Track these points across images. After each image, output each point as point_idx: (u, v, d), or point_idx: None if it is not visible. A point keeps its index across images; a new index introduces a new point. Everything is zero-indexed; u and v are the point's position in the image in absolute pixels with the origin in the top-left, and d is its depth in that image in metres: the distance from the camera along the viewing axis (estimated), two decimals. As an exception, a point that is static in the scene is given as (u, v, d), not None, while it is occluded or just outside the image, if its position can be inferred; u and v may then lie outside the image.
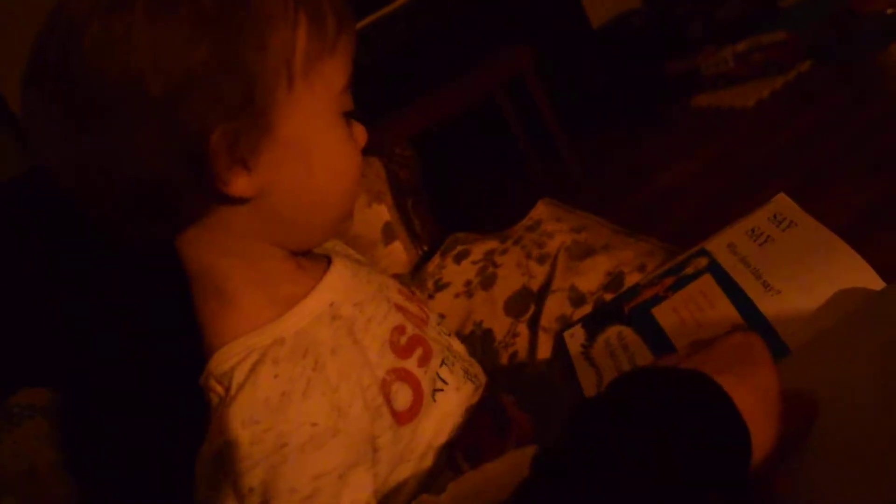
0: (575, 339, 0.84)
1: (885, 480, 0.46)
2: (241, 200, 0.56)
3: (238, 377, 0.56)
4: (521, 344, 0.96)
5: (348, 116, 0.61)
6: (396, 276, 1.13)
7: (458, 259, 1.09)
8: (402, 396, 0.62)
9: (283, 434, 0.53)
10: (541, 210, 1.12)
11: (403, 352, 0.64)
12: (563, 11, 3.16)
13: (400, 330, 0.66)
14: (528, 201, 1.17)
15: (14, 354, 1.17)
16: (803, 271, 0.66)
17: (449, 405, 0.66)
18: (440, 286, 1.06)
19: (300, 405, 0.55)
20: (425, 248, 1.24)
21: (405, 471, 0.62)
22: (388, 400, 0.60)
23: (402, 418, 0.61)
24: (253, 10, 0.52)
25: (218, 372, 0.57)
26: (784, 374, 0.51)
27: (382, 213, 1.21)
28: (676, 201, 2.24)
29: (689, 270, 0.79)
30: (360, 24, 2.66)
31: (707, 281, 0.74)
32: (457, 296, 1.03)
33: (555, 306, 0.95)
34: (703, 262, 0.78)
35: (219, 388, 0.57)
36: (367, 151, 1.30)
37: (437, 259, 1.12)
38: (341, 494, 0.54)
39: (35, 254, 1.26)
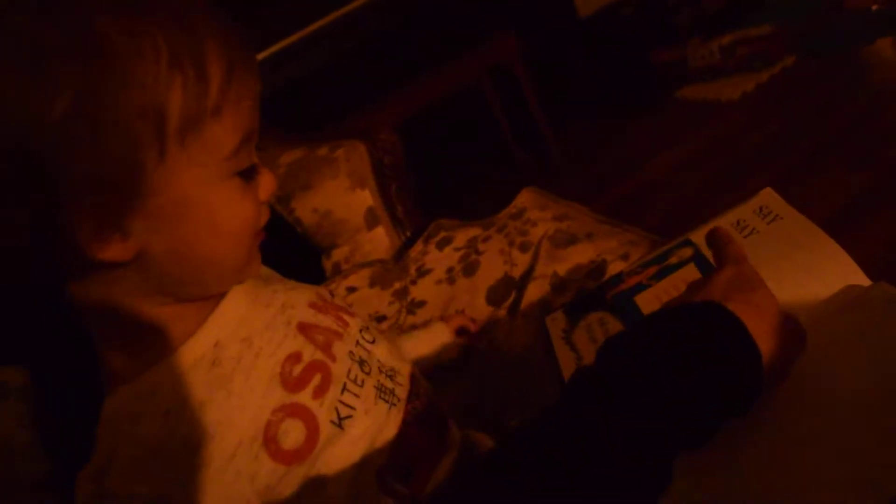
0: (556, 323, 0.83)
1: (861, 471, 0.46)
2: (118, 264, 0.52)
3: (108, 431, 0.54)
4: (500, 329, 0.96)
5: (250, 171, 0.57)
6: (378, 264, 1.12)
7: (441, 245, 1.08)
8: (293, 434, 0.57)
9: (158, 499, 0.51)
10: (525, 198, 1.12)
11: (295, 384, 0.59)
12: (548, 1, 3.15)
13: (294, 358, 0.60)
14: (511, 190, 1.17)
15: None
16: (787, 264, 0.66)
17: (359, 429, 0.61)
18: (423, 272, 1.06)
19: (157, 470, 0.52)
20: (408, 234, 1.23)
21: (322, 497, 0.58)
22: (274, 441, 0.55)
23: (294, 458, 0.56)
24: (117, 73, 0.46)
25: (103, 416, 0.55)
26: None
27: (366, 198, 1.20)
28: (660, 192, 2.25)
29: (673, 260, 0.79)
30: (346, 9, 2.64)
31: (691, 270, 0.74)
32: (438, 282, 1.03)
33: (536, 291, 0.95)
34: (687, 252, 0.78)
35: (99, 432, 0.55)
36: (352, 136, 1.29)
37: (420, 245, 1.11)
38: None
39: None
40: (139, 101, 0.47)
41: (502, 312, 0.96)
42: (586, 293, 0.88)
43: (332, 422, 0.59)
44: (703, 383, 0.47)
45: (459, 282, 1.02)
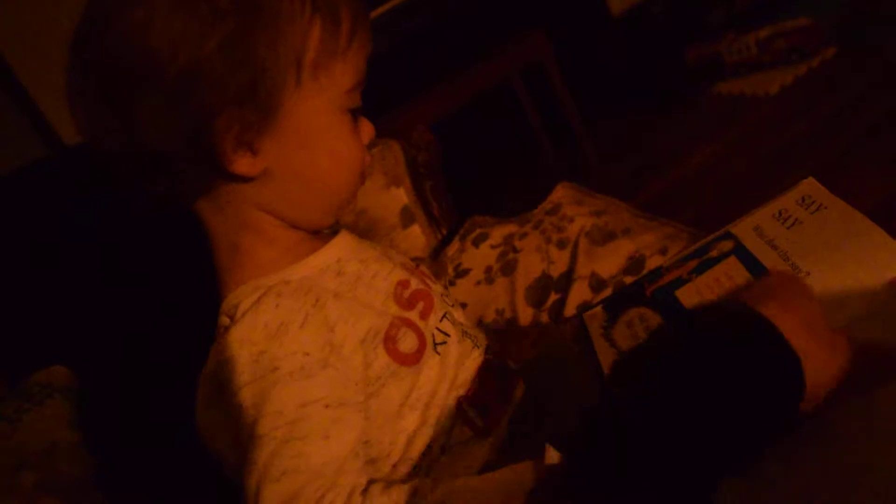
0: (595, 319, 0.83)
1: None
2: (245, 178, 0.62)
3: (243, 307, 0.61)
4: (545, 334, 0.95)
5: (356, 113, 0.66)
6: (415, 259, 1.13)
7: (477, 242, 1.08)
8: (409, 341, 0.66)
9: (277, 358, 0.58)
10: (560, 193, 1.11)
11: (406, 304, 0.69)
12: (581, -2, 3.13)
13: (404, 284, 0.71)
14: (543, 188, 1.16)
15: (33, 334, 1.18)
16: (834, 253, 0.65)
17: (451, 357, 0.69)
18: (460, 272, 1.06)
19: (296, 335, 0.59)
20: (444, 232, 1.23)
21: (413, 419, 0.66)
22: (393, 342, 0.65)
23: (406, 360, 0.65)
24: (267, 10, 0.57)
25: (226, 307, 0.64)
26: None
27: (401, 196, 1.21)
28: (697, 187, 2.22)
29: (713, 253, 0.77)
30: (379, 11, 2.64)
31: (732, 263, 0.73)
32: (478, 283, 1.03)
33: (577, 295, 0.94)
34: (728, 244, 0.77)
35: (225, 320, 0.63)
36: (386, 135, 1.29)
37: (456, 243, 1.11)
38: (326, 426, 0.57)
39: (50, 237, 1.27)
40: (288, 35, 0.57)
41: (544, 315, 0.96)
42: (625, 288, 0.87)
43: (433, 344, 0.69)
44: (739, 393, 0.49)
45: (498, 281, 1.02)
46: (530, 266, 1.01)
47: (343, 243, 0.71)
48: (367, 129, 0.68)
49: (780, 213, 0.75)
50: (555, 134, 2.86)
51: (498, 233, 1.08)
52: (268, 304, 0.60)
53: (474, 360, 0.72)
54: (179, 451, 0.99)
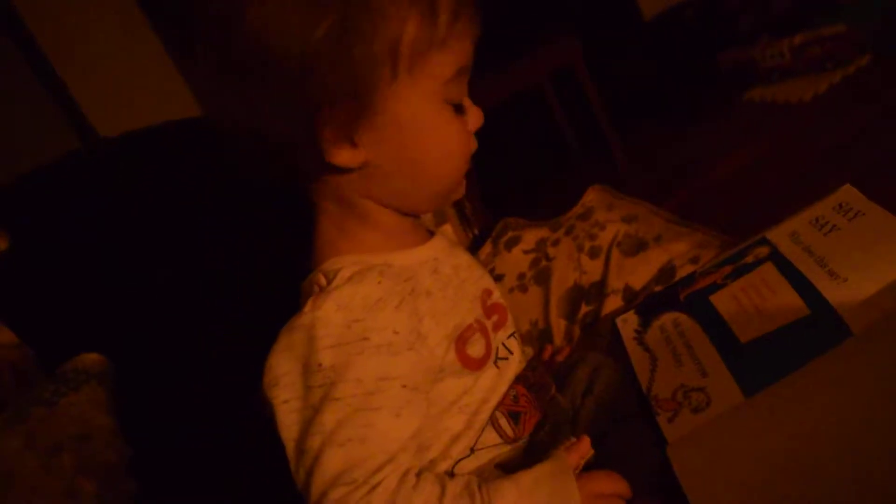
0: (628, 324, 0.83)
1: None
2: (348, 169, 0.63)
3: (345, 273, 0.62)
4: (577, 347, 0.95)
5: (462, 101, 0.66)
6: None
7: (510, 246, 1.08)
8: (478, 347, 0.67)
9: (369, 329, 0.59)
10: (592, 197, 1.11)
11: (488, 311, 0.71)
12: (615, 2, 3.12)
13: (488, 293, 0.73)
14: (574, 192, 1.16)
15: (69, 321, 1.19)
16: (872, 259, 0.65)
17: (508, 374, 0.70)
18: (494, 278, 1.06)
19: (391, 313, 0.61)
20: (475, 231, 1.24)
21: (460, 421, 0.67)
22: (464, 342, 0.66)
23: (470, 363, 0.66)
24: (364, 3, 0.57)
25: (327, 268, 0.65)
26: (848, 356, 0.51)
27: (434, 195, 1.21)
28: (729, 194, 2.20)
29: (749, 259, 0.77)
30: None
31: (768, 269, 0.73)
32: (511, 290, 1.04)
33: (610, 309, 0.94)
34: (763, 251, 0.77)
35: (322, 280, 0.63)
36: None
37: (489, 246, 1.11)
38: (400, 404, 0.58)
39: (84, 226, 1.29)
40: (382, 28, 0.57)
41: (576, 327, 0.96)
42: (658, 293, 0.87)
43: (495, 357, 0.70)
44: None
45: (532, 290, 1.02)
46: (563, 276, 1.01)
47: (439, 245, 0.73)
48: (474, 116, 0.68)
49: (816, 220, 0.75)
50: (585, 137, 2.85)
51: (530, 237, 1.08)
52: (371, 277, 0.61)
53: (512, 374, 0.72)
54: (209, 441, 1.01)
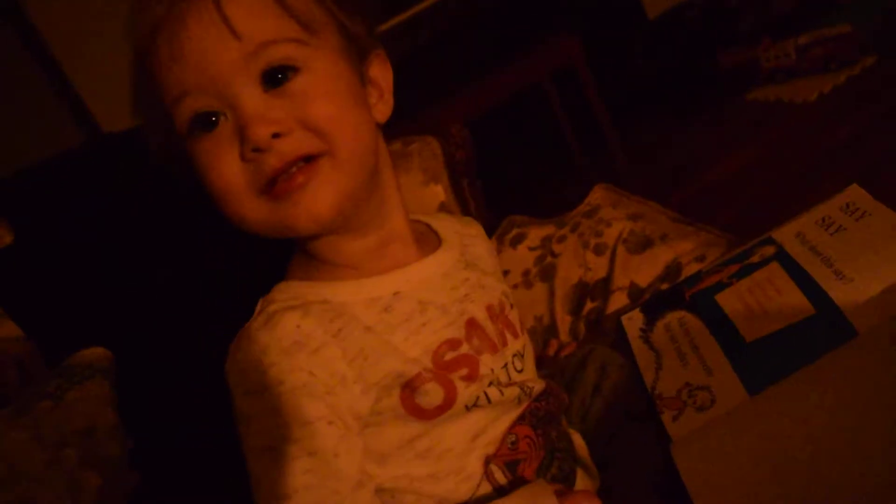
0: (633, 322, 0.83)
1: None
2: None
3: (271, 309, 0.59)
4: (582, 343, 0.95)
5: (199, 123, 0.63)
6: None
7: (515, 243, 1.09)
8: (431, 397, 0.61)
9: (283, 372, 0.56)
10: (598, 195, 1.11)
11: (444, 366, 0.62)
12: (618, 2, 3.12)
13: (451, 344, 0.64)
14: (574, 191, 1.16)
15: (73, 315, 1.20)
16: (879, 259, 0.65)
17: (483, 420, 0.64)
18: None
19: (307, 356, 0.57)
20: (480, 230, 1.24)
21: (421, 467, 0.62)
22: (412, 391, 0.60)
23: (417, 413, 0.61)
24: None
25: (271, 295, 0.63)
26: (853, 356, 0.51)
27: (438, 193, 1.21)
28: (731, 193, 2.20)
29: (754, 258, 0.77)
30: (416, 9, 2.65)
31: (774, 269, 0.73)
32: (515, 286, 1.04)
33: (615, 307, 0.94)
34: (769, 250, 0.77)
35: (258, 308, 0.61)
36: (424, 131, 1.30)
37: (494, 243, 1.11)
38: (335, 443, 0.55)
39: (87, 222, 1.29)
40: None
41: (581, 323, 0.97)
42: (664, 292, 0.87)
43: (466, 405, 0.62)
44: None
45: (537, 286, 1.02)
46: (568, 272, 1.01)
47: (418, 273, 0.66)
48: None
49: (823, 220, 0.75)
50: (585, 137, 2.85)
51: (535, 234, 1.08)
52: (290, 320, 0.58)
53: (510, 418, 0.66)
54: (208, 436, 1.01)
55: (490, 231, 1.20)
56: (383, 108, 0.66)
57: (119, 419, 0.96)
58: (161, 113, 0.58)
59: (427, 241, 0.70)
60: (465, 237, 0.75)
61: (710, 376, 0.69)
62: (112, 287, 1.23)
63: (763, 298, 0.71)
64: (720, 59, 2.95)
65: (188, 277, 1.24)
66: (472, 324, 0.66)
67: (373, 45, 0.66)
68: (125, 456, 0.93)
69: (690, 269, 0.90)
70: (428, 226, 0.73)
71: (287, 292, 0.62)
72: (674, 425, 0.67)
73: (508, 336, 0.70)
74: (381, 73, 0.67)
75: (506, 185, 2.51)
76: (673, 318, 0.78)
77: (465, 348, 0.64)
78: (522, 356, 0.70)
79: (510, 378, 0.67)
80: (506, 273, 1.07)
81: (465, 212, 1.23)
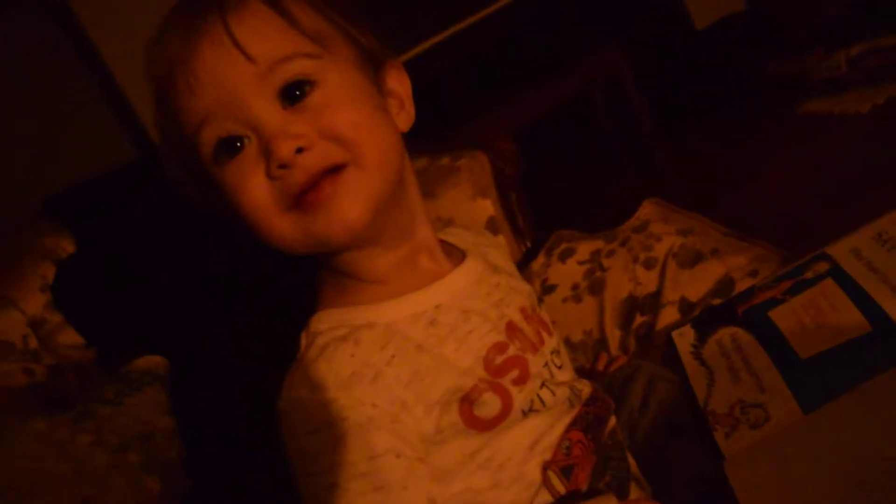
0: (684, 338, 0.83)
1: None
2: None
3: (321, 341, 0.59)
4: (632, 357, 0.95)
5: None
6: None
7: (564, 257, 1.09)
8: (489, 407, 0.61)
9: (345, 408, 0.56)
10: (647, 210, 1.11)
11: (496, 371, 0.63)
12: (665, 13, 3.10)
13: (499, 348, 0.65)
14: (620, 205, 1.16)
15: (131, 323, 1.23)
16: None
17: (540, 426, 0.64)
18: (547, 288, 1.07)
19: (367, 387, 0.57)
20: (528, 244, 1.25)
21: (483, 479, 0.62)
22: (470, 404, 0.60)
23: (478, 425, 0.61)
24: None
25: (312, 328, 0.62)
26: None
27: (487, 207, 1.22)
28: (782, 206, 2.16)
29: (808, 274, 0.77)
30: (462, 24, 2.67)
31: (829, 285, 0.73)
32: (565, 300, 1.04)
33: (666, 321, 0.94)
34: (823, 266, 0.76)
35: (303, 344, 0.61)
36: (472, 146, 1.31)
37: (542, 257, 1.12)
38: (403, 476, 0.55)
39: (144, 233, 1.32)
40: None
41: (631, 337, 0.97)
42: (715, 308, 0.87)
43: (522, 410, 0.63)
44: None
45: (586, 300, 1.02)
46: (618, 286, 1.01)
47: (452, 285, 0.66)
48: None
49: (879, 235, 0.74)
50: (631, 149, 2.83)
51: (584, 248, 1.09)
52: (344, 352, 0.58)
53: (564, 423, 0.66)
54: (256, 444, 1.03)
55: (538, 245, 1.20)
56: (405, 118, 0.67)
57: (176, 425, 0.99)
58: (185, 145, 0.59)
59: (451, 253, 0.71)
60: (480, 246, 0.76)
61: (764, 393, 0.68)
62: (168, 296, 1.26)
63: (817, 315, 0.70)
64: (769, 71, 2.92)
65: (243, 288, 1.26)
66: (511, 326, 0.67)
67: (386, 56, 0.66)
68: (181, 461, 0.95)
69: (743, 285, 0.89)
70: (444, 241, 0.74)
71: (329, 321, 0.62)
72: (726, 442, 0.67)
73: (544, 334, 0.71)
74: (399, 82, 0.67)
75: (551, 199, 2.52)
76: (725, 333, 0.78)
77: (511, 350, 0.65)
78: (559, 352, 0.72)
79: (553, 375, 0.68)
80: (554, 287, 1.08)
81: (514, 226, 1.24)
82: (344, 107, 0.59)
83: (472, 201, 1.22)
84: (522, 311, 0.70)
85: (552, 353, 0.70)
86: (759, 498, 0.58)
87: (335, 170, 0.58)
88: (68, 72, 2.14)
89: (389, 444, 0.55)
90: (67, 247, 1.24)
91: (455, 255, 0.71)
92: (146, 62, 0.59)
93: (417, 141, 1.47)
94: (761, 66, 2.95)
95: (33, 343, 1.12)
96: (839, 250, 0.77)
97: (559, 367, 0.70)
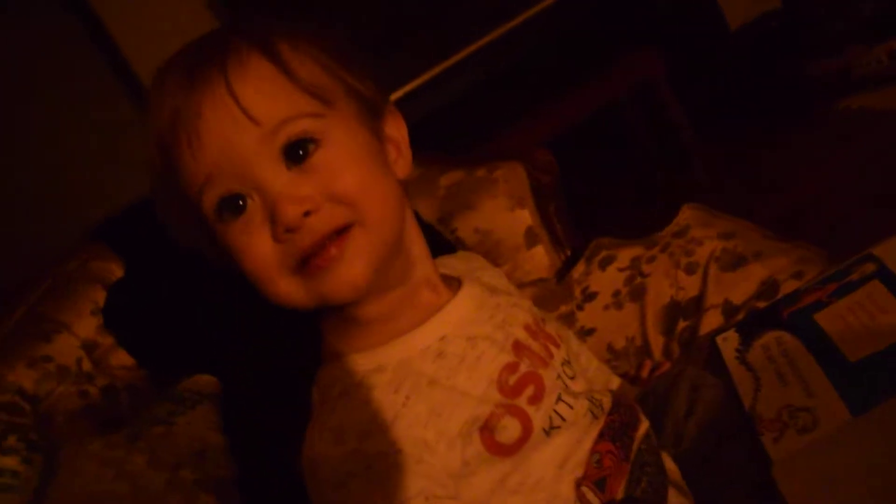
0: (728, 343, 0.82)
1: None
2: None
3: (334, 393, 0.60)
4: (676, 363, 0.95)
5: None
6: (540, 283, 1.14)
7: (604, 265, 1.09)
8: (510, 431, 0.61)
9: (369, 457, 0.56)
10: (687, 215, 1.11)
11: (511, 392, 0.63)
12: (699, 14, 3.08)
13: (511, 368, 0.64)
14: (657, 208, 1.16)
15: (179, 345, 1.26)
16: None
17: (567, 444, 0.64)
18: (588, 295, 1.07)
19: (386, 433, 0.57)
20: (567, 253, 1.25)
21: (516, 502, 0.61)
22: (491, 431, 0.60)
23: (502, 450, 0.60)
24: None
25: (321, 383, 0.63)
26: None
27: (525, 217, 1.23)
28: (823, 207, 2.13)
29: (854, 276, 0.76)
30: (498, 33, 2.67)
31: (876, 286, 0.72)
32: (606, 307, 1.04)
33: (710, 325, 0.94)
34: (869, 267, 0.76)
35: (317, 396, 0.63)
36: (508, 156, 1.32)
37: (582, 265, 1.12)
38: None
39: (191, 257, 1.35)
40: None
41: (674, 343, 0.96)
42: (759, 311, 0.86)
43: (544, 429, 0.63)
44: None
45: (627, 306, 1.02)
46: (659, 292, 1.01)
47: (453, 315, 0.66)
48: None
49: (926, 235, 0.73)
50: (665, 151, 2.81)
51: (625, 255, 1.09)
52: (358, 400, 0.58)
53: (591, 437, 0.66)
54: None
55: (577, 254, 1.21)
56: (403, 164, 0.66)
57: (228, 443, 1.00)
58: (186, 201, 0.59)
59: (447, 282, 0.70)
60: (473, 271, 0.75)
61: (812, 397, 0.68)
62: (214, 316, 1.29)
63: (864, 317, 0.69)
64: (807, 69, 2.88)
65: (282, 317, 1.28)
66: (518, 345, 0.67)
67: (384, 101, 0.66)
68: (233, 479, 0.97)
69: (788, 287, 0.88)
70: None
71: (338, 372, 0.63)
72: (775, 447, 0.66)
73: (552, 347, 0.70)
74: (396, 128, 0.67)
75: (587, 207, 2.51)
76: (770, 337, 0.77)
77: (523, 367, 0.65)
78: (570, 363, 0.71)
79: (567, 386, 0.68)
80: (595, 295, 1.08)
81: (553, 235, 1.25)
82: (349, 168, 0.59)
83: (509, 212, 1.23)
84: (527, 327, 0.70)
85: (563, 364, 0.70)
86: (809, 502, 0.58)
87: (339, 231, 0.58)
88: (112, 97, 2.19)
89: (418, 488, 0.55)
90: (116, 270, 1.28)
91: (451, 284, 0.70)
92: (147, 114, 0.59)
93: (453, 154, 1.48)
94: (798, 64, 2.91)
95: (87, 365, 1.15)
96: (885, 251, 0.76)
97: (572, 378, 0.70)
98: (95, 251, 1.30)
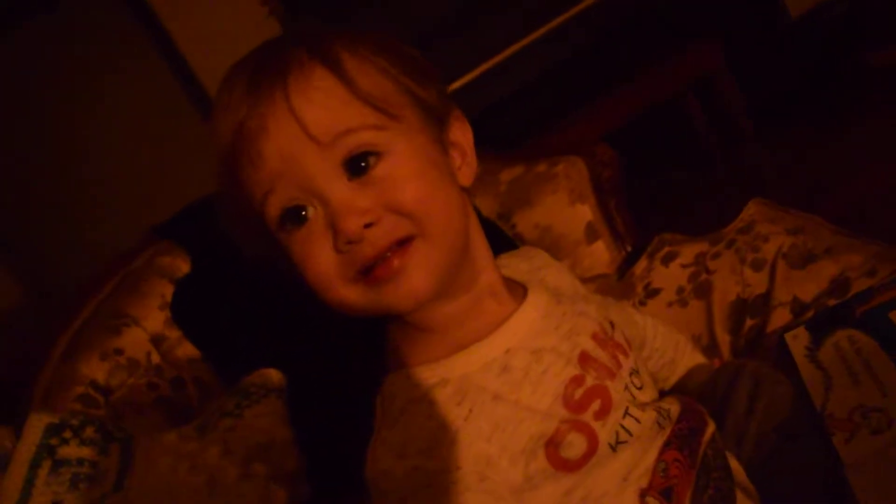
0: (798, 341, 0.81)
1: None
2: None
3: (396, 407, 0.60)
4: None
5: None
6: (600, 279, 1.13)
7: (666, 261, 1.08)
8: (575, 447, 0.60)
9: (430, 474, 0.55)
10: (753, 210, 1.09)
11: (577, 406, 0.62)
12: (760, 2, 3.01)
13: (577, 381, 0.63)
14: (716, 203, 1.14)
15: (244, 338, 1.28)
16: None
17: (632, 457, 0.63)
18: (650, 292, 1.06)
19: (448, 450, 0.56)
20: (627, 248, 1.24)
21: None
22: (556, 447, 0.60)
23: (567, 466, 0.60)
24: None
25: (385, 393, 0.63)
26: None
27: (585, 212, 1.23)
28: (881, 208, 2.07)
29: (931, 273, 0.74)
30: (551, 25, 2.65)
31: (953, 283, 0.70)
32: (670, 304, 1.03)
33: (778, 323, 0.92)
34: (947, 264, 0.74)
35: (379, 410, 0.62)
36: (568, 151, 1.32)
37: (644, 261, 1.11)
38: None
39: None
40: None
41: (741, 342, 0.95)
42: (831, 309, 0.85)
43: (610, 444, 0.62)
44: None
45: (692, 304, 1.01)
46: (725, 289, 0.99)
47: (519, 326, 0.65)
48: None
49: None
50: (725, 145, 2.77)
51: (689, 251, 1.07)
52: (420, 415, 0.58)
53: (657, 447, 0.65)
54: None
55: (638, 249, 1.20)
56: (467, 171, 0.65)
57: (294, 436, 1.02)
58: (250, 209, 0.59)
59: (512, 289, 0.69)
60: (535, 272, 0.74)
61: (886, 398, 0.66)
62: (278, 310, 1.31)
63: (944, 315, 0.68)
64: (870, 60, 2.80)
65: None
66: (584, 357, 0.66)
67: (449, 107, 0.65)
68: (302, 472, 0.99)
69: (860, 285, 0.86)
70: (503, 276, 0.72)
71: (401, 383, 0.62)
72: (846, 448, 0.65)
73: (620, 357, 0.69)
74: (462, 134, 0.66)
75: (644, 200, 2.48)
76: (842, 336, 0.76)
77: (589, 381, 0.64)
78: (638, 372, 0.70)
79: (634, 397, 0.67)
80: (658, 291, 1.07)
81: (613, 231, 1.24)
82: (410, 180, 0.58)
83: (570, 207, 1.23)
84: (594, 336, 0.68)
85: (631, 374, 0.69)
86: (885, 505, 0.57)
87: (402, 242, 0.58)
88: (178, 104, 2.26)
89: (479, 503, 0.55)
90: (183, 266, 1.31)
91: (516, 290, 0.69)
92: (210, 126, 0.60)
93: (513, 148, 1.48)
94: (862, 55, 2.83)
95: (156, 358, 1.18)
96: (962, 246, 0.74)
97: (639, 388, 0.68)
98: (162, 247, 1.33)
